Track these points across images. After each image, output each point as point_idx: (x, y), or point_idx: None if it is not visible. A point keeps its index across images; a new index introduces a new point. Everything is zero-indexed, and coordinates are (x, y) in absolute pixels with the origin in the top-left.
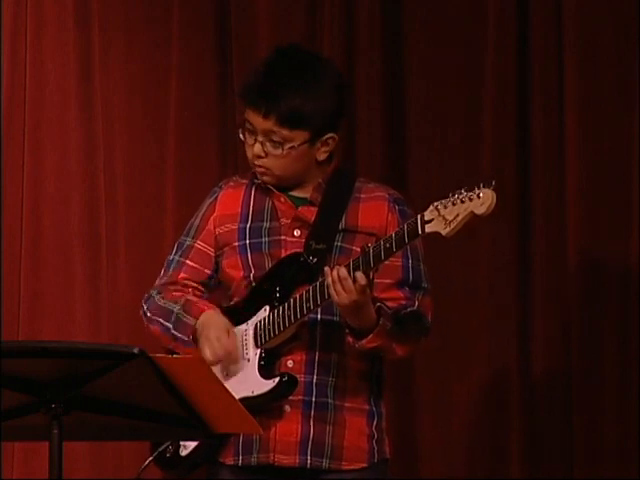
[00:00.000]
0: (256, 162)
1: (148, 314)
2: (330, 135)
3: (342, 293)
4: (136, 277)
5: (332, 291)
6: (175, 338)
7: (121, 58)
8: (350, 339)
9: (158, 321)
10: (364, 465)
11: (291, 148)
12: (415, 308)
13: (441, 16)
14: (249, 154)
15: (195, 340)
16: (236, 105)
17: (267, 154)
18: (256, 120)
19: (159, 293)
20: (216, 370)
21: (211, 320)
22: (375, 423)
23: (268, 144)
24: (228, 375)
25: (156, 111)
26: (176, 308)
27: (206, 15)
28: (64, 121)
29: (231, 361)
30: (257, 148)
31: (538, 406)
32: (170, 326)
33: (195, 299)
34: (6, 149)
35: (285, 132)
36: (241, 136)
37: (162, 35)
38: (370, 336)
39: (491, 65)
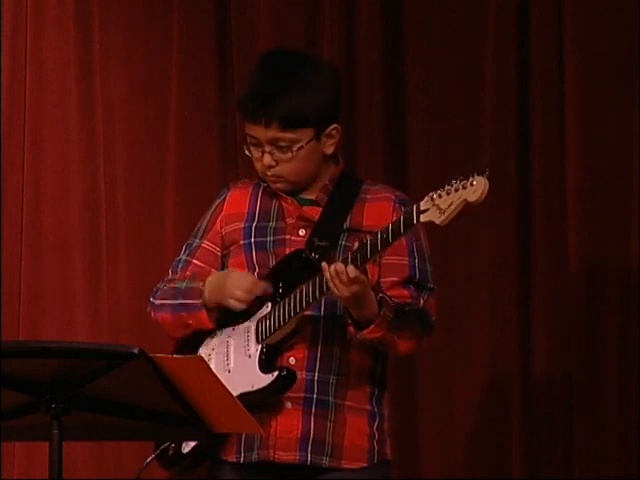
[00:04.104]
0: (268, 172)
1: (156, 302)
2: (333, 126)
3: (340, 286)
4: (136, 277)
5: (331, 285)
6: (185, 308)
7: (121, 58)
8: (351, 329)
9: (166, 304)
10: (364, 465)
11: (299, 149)
12: (420, 307)
13: (441, 16)
14: (259, 167)
15: (204, 304)
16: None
17: (277, 162)
18: (258, 132)
19: (165, 285)
20: (217, 366)
21: (222, 273)
22: (376, 423)
23: (276, 151)
24: (230, 371)
25: (156, 111)
26: (183, 285)
27: (206, 15)
28: (64, 121)
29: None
30: (267, 159)
31: (538, 406)
32: (179, 300)
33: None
34: (6, 149)
35: (290, 135)
36: (247, 153)
37: (162, 35)
38: (371, 326)
39: (491, 65)
